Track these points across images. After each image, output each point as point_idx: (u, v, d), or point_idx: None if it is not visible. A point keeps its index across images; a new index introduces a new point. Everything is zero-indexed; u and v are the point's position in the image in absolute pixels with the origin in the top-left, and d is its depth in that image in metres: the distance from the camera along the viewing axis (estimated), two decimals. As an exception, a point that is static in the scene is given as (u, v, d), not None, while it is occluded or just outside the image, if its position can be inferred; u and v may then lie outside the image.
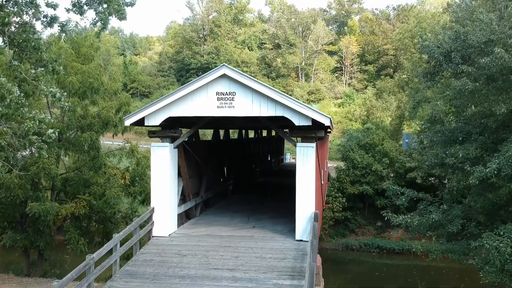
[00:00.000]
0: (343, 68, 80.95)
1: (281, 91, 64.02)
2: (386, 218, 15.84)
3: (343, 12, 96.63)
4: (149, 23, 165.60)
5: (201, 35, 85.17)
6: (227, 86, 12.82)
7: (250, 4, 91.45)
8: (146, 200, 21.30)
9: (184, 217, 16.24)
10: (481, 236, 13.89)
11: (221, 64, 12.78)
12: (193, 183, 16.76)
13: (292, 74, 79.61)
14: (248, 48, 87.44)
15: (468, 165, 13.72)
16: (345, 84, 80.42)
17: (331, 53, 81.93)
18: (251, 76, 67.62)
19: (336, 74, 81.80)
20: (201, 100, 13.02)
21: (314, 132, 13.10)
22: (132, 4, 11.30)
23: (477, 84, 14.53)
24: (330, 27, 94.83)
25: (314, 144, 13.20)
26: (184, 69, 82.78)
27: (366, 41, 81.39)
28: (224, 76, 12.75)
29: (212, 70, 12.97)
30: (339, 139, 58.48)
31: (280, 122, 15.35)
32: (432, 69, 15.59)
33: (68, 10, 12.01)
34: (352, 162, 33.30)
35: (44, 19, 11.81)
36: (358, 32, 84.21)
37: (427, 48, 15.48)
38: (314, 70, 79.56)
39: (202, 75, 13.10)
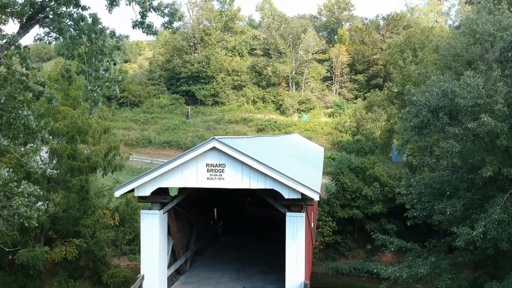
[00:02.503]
0: (333, 78, 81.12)
1: (271, 100, 62.91)
2: (377, 265, 16.02)
3: (333, 19, 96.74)
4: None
5: (191, 44, 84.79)
6: (217, 158, 12.88)
7: (241, 11, 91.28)
8: (135, 239, 21.27)
9: (174, 274, 16.18)
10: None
11: (211, 137, 12.81)
12: (184, 237, 16.70)
13: (282, 83, 79.59)
14: (239, 54, 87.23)
15: (455, 227, 13.90)
16: (335, 93, 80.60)
17: (321, 61, 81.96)
18: (242, 83, 66.00)
19: (327, 84, 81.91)
20: (191, 172, 13.07)
21: (304, 201, 13.14)
22: (122, 80, 11.24)
23: (464, 142, 14.73)
24: (321, 33, 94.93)
25: (303, 214, 13.23)
26: (175, 78, 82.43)
27: (356, 50, 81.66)
28: (214, 148, 12.81)
29: (202, 143, 13.02)
30: (329, 151, 58.63)
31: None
32: (420, 123, 15.73)
33: (57, 81, 11.95)
34: (343, 185, 33.50)
35: (31, 92, 11.77)
36: (348, 41, 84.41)
37: (415, 104, 15.60)
38: (305, 79, 79.67)
39: (192, 148, 13.15)
